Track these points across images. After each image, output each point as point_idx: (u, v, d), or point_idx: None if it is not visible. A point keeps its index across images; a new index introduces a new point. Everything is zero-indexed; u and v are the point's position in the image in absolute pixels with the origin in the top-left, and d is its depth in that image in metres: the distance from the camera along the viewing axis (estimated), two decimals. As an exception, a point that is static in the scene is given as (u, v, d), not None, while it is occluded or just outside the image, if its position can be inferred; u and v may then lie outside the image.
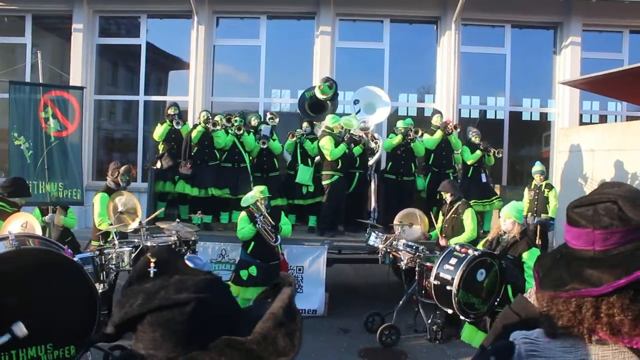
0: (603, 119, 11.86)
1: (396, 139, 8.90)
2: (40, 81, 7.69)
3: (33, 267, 3.92)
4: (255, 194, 6.81)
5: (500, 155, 9.37)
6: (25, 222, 5.60)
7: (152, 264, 1.26)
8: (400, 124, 9.12)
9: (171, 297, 1.15)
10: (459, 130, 9.26)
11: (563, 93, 11.50)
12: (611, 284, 1.19)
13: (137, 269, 1.26)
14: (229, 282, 6.83)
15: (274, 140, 8.97)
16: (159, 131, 8.88)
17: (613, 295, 1.20)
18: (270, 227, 6.80)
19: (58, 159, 7.37)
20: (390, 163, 9.11)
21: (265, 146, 8.77)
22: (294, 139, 8.86)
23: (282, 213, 7.18)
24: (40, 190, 7.18)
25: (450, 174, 9.03)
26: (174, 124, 8.77)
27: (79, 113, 7.60)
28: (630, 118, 11.46)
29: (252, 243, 6.71)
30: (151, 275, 1.24)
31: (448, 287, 5.14)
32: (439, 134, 8.98)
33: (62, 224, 7.10)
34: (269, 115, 9.30)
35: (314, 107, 9.56)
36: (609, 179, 8.59)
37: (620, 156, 8.51)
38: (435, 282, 5.32)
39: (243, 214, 6.78)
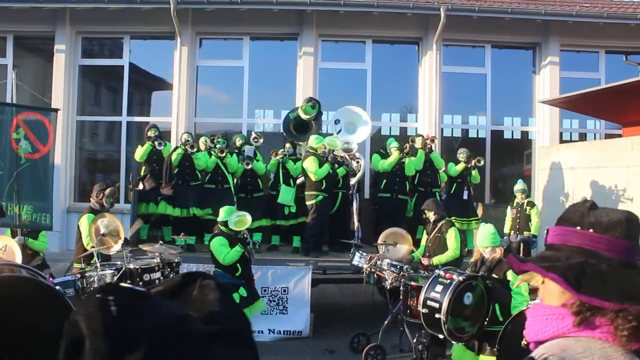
0: (583, 137, 12.05)
1: (393, 158, 8.95)
2: (14, 101, 7.59)
3: (11, 296, 3.80)
4: (249, 219, 6.79)
5: (481, 163, 9.45)
6: (4, 246, 5.53)
7: None
8: (394, 143, 9.17)
9: None
10: (436, 142, 9.36)
11: (543, 112, 11.68)
12: None
13: None
14: None
15: (257, 160, 8.98)
16: (140, 152, 8.83)
17: None
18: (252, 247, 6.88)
19: (28, 181, 7.20)
20: (384, 181, 9.12)
21: (249, 167, 8.77)
22: (277, 157, 8.87)
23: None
24: (9, 213, 7.04)
25: (437, 194, 9.10)
26: (156, 145, 8.74)
27: (51, 135, 7.46)
28: (608, 135, 11.67)
29: (239, 267, 6.66)
30: None
31: (437, 315, 5.13)
32: (421, 153, 9.08)
33: (32, 247, 6.95)
34: (253, 136, 9.31)
35: (299, 128, 9.59)
36: (589, 196, 8.70)
37: (599, 173, 8.64)
38: (424, 311, 5.30)
39: (221, 239, 6.64)
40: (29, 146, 7.24)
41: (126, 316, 0.93)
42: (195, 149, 8.46)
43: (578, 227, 1.39)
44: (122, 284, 1.05)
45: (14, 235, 6.90)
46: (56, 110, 8.04)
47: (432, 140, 9.32)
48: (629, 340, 1.26)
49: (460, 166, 9.20)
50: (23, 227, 7.00)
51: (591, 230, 1.37)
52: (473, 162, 9.25)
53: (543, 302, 1.43)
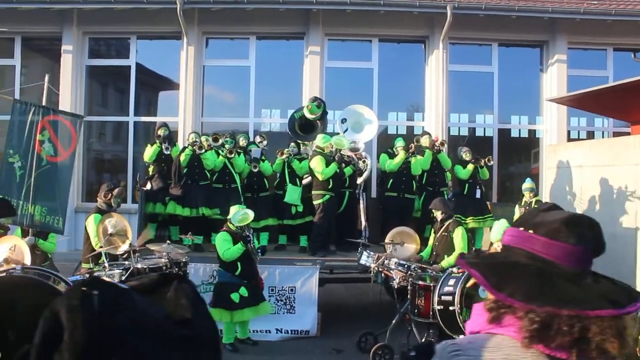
0: (590, 135, 11.99)
1: (399, 158, 8.94)
2: (44, 104, 7.64)
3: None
4: (250, 214, 6.83)
5: (491, 163, 9.45)
6: (13, 246, 5.56)
7: None
8: (401, 143, 9.15)
9: None
10: (445, 146, 9.32)
11: (550, 110, 11.63)
12: (635, 305, 1.23)
13: None
14: (213, 308, 6.73)
15: (263, 161, 8.97)
16: (149, 152, 8.85)
17: (610, 319, 1.22)
18: (254, 247, 6.89)
19: (46, 183, 7.26)
20: (391, 181, 9.10)
21: (256, 170, 8.79)
22: (284, 156, 8.87)
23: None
24: (23, 211, 7.09)
25: (445, 193, 9.08)
26: (164, 149, 8.74)
27: (74, 141, 7.53)
28: (616, 134, 11.59)
29: (239, 264, 6.69)
30: None
31: (451, 308, 5.10)
32: (428, 153, 9.05)
33: (41, 248, 6.99)
34: (258, 139, 9.28)
35: (304, 128, 9.57)
36: (598, 195, 8.65)
37: (608, 172, 8.58)
38: (439, 307, 5.27)
39: (224, 234, 6.76)
40: (51, 149, 7.30)
41: (109, 312, 0.94)
42: (203, 150, 8.46)
43: (522, 228, 1.38)
44: (106, 279, 1.06)
45: (24, 235, 6.95)
46: (82, 116, 8.11)
47: (442, 144, 9.25)
48: (530, 342, 1.24)
49: (470, 167, 9.15)
50: (34, 228, 7.04)
51: (531, 231, 1.36)
52: (483, 162, 9.22)
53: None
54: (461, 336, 1.36)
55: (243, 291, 6.67)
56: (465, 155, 9.26)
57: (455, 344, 1.33)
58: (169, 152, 8.79)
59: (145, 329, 0.96)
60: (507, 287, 1.28)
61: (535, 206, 9.07)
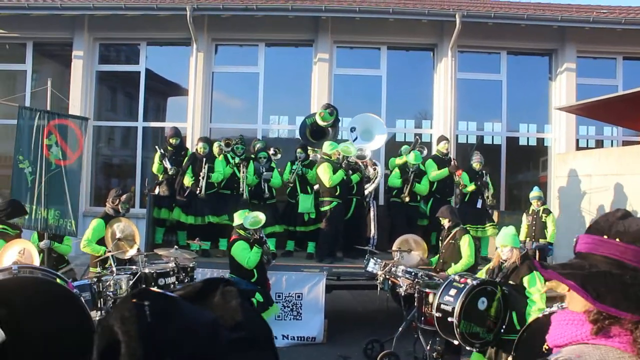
0: (599, 144, 11.93)
1: (399, 181, 9.02)
2: (48, 108, 7.70)
3: (29, 298, 3.81)
4: (262, 217, 6.82)
5: (485, 182, 9.38)
6: (22, 249, 5.59)
7: None
8: (412, 157, 9.08)
9: None
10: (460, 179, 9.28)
11: (559, 118, 11.58)
12: None
13: None
14: None
15: (272, 169, 8.96)
16: (155, 166, 8.91)
17: None
18: (269, 248, 6.92)
19: (57, 186, 7.33)
20: (396, 190, 9.15)
21: (267, 195, 8.80)
22: (292, 177, 8.86)
23: None
24: (36, 216, 7.16)
25: (452, 201, 9.08)
26: (168, 170, 8.73)
27: (81, 143, 7.60)
28: (626, 143, 11.54)
29: (256, 272, 6.69)
30: None
31: (449, 319, 5.13)
32: (445, 172, 9.02)
33: (57, 251, 7.05)
34: (271, 151, 9.26)
35: (315, 134, 9.58)
36: (607, 204, 8.61)
37: (617, 181, 8.54)
38: (438, 315, 5.31)
39: (242, 243, 6.71)
40: (59, 152, 7.37)
41: (161, 321, 0.95)
42: (209, 176, 8.46)
43: (605, 236, 1.38)
44: (155, 289, 1.06)
45: (41, 238, 7.01)
46: (86, 118, 8.17)
47: (459, 175, 9.23)
48: None
49: (471, 188, 9.08)
50: (48, 231, 7.11)
51: (618, 239, 1.35)
52: (480, 182, 9.15)
53: (568, 308, 1.43)
54: (564, 349, 1.36)
55: (259, 297, 6.68)
56: (476, 164, 9.22)
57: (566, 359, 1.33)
58: (172, 173, 8.76)
59: (196, 335, 0.97)
60: (608, 297, 1.29)
61: (543, 214, 9.05)
